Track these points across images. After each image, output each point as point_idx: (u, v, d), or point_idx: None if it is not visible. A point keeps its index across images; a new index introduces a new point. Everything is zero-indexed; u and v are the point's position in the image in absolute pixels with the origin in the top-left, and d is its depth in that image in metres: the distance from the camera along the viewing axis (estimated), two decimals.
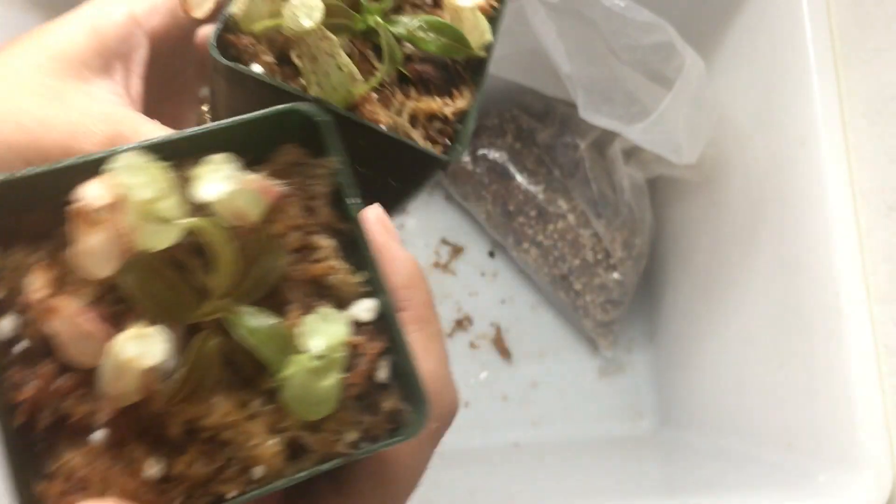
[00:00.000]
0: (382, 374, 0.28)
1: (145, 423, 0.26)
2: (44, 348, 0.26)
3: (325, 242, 0.29)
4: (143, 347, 0.24)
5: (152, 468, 0.25)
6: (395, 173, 0.37)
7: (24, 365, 0.26)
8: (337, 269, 0.29)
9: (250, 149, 0.27)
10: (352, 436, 0.27)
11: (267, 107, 0.29)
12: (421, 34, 0.36)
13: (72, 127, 0.34)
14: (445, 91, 0.38)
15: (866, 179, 0.60)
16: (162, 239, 0.25)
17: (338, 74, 0.33)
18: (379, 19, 0.36)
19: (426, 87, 0.37)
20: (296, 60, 0.33)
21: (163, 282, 0.26)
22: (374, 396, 0.28)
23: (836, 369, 0.60)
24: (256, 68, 0.34)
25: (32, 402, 0.25)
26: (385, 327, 0.29)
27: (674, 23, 0.69)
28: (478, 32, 0.38)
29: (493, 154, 0.88)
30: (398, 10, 0.39)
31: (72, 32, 0.36)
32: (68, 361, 0.25)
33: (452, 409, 0.31)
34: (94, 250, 0.25)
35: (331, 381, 0.26)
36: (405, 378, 0.28)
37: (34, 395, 0.25)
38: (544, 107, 0.90)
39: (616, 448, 0.89)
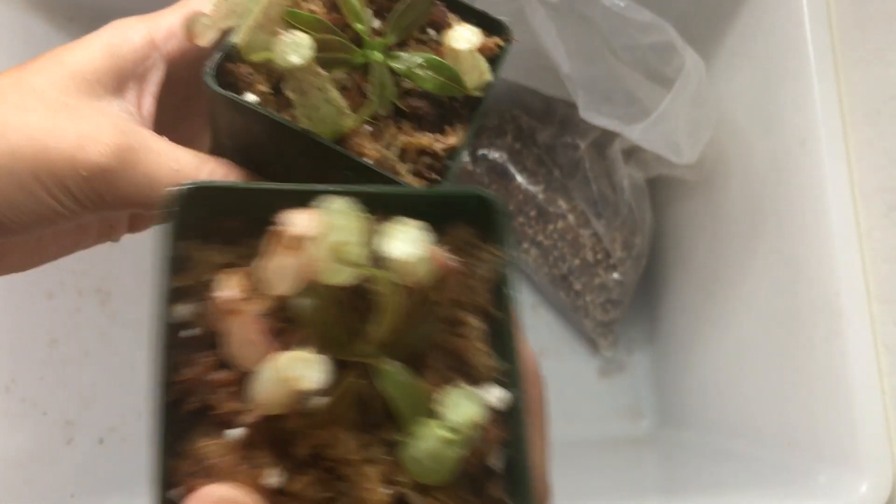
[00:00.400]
0: (495, 461, 0.30)
1: (279, 435, 0.27)
2: (209, 341, 0.28)
3: (476, 323, 0.31)
4: (306, 371, 0.26)
5: (273, 477, 0.27)
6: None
7: (188, 350, 0.28)
8: (481, 351, 0.30)
9: (426, 216, 0.29)
10: None
11: (258, 134, 0.33)
12: (419, 71, 0.37)
13: (80, 137, 0.35)
14: (439, 127, 0.38)
15: (866, 179, 0.60)
16: (342, 278, 0.27)
17: (326, 108, 0.34)
18: (378, 55, 0.37)
19: (420, 122, 0.38)
20: (287, 93, 0.34)
21: (331, 315, 0.28)
22: (482, 480, 0.29)
23: (836, 369, 0.60)
24: (250, 97, 0.35)
25: (187, 384, 0.28)
26: (509, 420, 0.30)
27: (674, 23, 0.69)
28: (476, 72, 0.38)
29: (493, 154, 0.88)
30: (403, 44, 0.39)
31: (90, 52, 0.38)
32: (228, 359, 0.28)
33: (548, 491, 0.33)
34: (282, 270, 0.27)
35: (455, 453, 0.27)
36: (515, 472, 0.29)
37: (190, 379, 0.28)
38: (544, 107, 0.90)
39: (616, 448, 0.89)
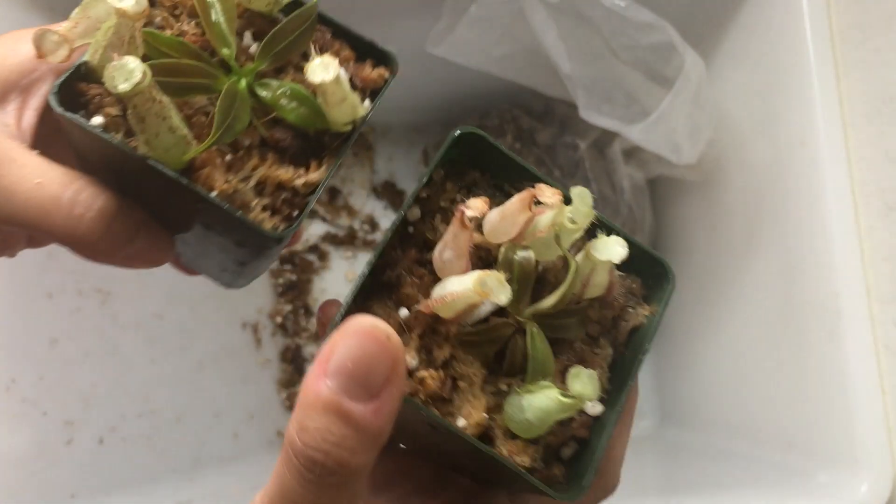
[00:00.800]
0: (567, 451, 0.35)
1: (432, 334, 0.33)
2: (421, 242, 0.35)
3: (608, 349, 0.37)
4: (499, 288, 0.31)
5: (411, 359, 0.33)
6: (235, 238, 0.36)
7: (405, 240, 0.35)
8: (601, 369, 0.36)
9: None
10: (525, 462, 0.33)
11: (106, 157, 0.34)
12: (284, 101, 0.36)
13: None
14: (304, 161, 0.37)
15: (866, 179, 0.60)
16: (550, 253, 0.34)
17: (168, 137, 0.32)
18: (242, 82, 0.35)
19: (283, 154, 0.36)
20: (129, 118, 0.33)
21: (525, 275, 0.34)
22: (551, 459, 0.35)
23: (836, 369, 0.60)
24: (98, 119, 0.34)
25: (392, 259, 0.34)
26: (594, 427, 0.35)
27: (674, 23, 0.69)
28: (346, 106, 0.36)
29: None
30: (281, 70, 0.38)
31: None
32: (429, 258, 0.34)
33: (616, 486, 0.38)
34: (512, 223, 0.33)
35: (558, 414, 0.32)
36: (579, 467, 0.34)
37: (396, 257, 0.35)
38: (544, 107, 0.90)
39: None
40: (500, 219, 0.34)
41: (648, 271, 0.38)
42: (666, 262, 0.37)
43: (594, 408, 0.35)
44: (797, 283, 0.65)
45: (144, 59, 0.33)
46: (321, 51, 0.38)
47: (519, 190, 0.34)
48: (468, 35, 0.72)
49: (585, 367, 0.33)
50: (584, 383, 0.32)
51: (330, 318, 0.40)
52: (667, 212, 0.90)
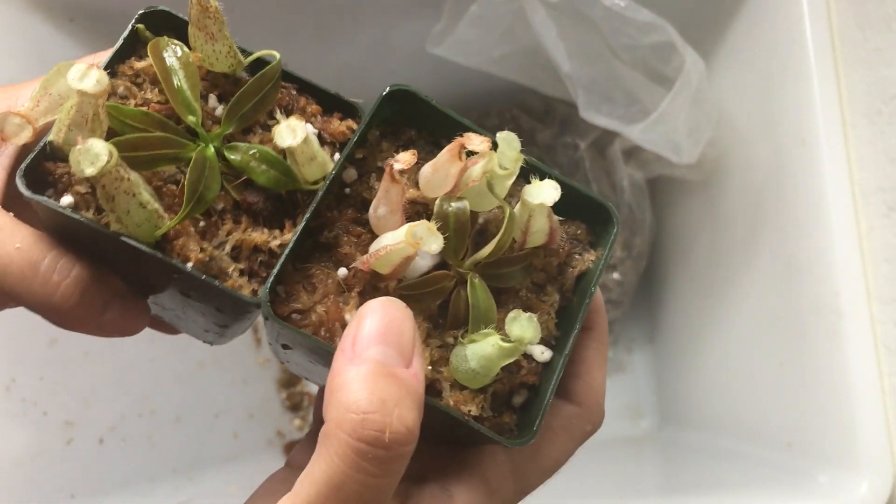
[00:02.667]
0: (518, 400, 0.35)
1: (373, 289, 0.34)
2: (358, 203, 0.36)
3: (554, 296, 0.37)
4: (431, 238, 0.31)
5: (352, 317, 0.33)
6: (215, 304, 0.36)
7: (340, 201, 0.36)
8: (548, 315, 0.36)
9: (560, 202, 0.34)
10: (472, 411, 0.33)
11: (79, 235, 0.34)
12: (254, 164, 0.35)
13: None
14: (278, 221, 0.36)
15: (866, 179, 0.60)
16: (486, 203, 0.35)
17: (140, 212, 0.32)
18: (210, 149, 0.35)
19: (256, 217, 0.36)
20: (98, 197, 0.32)
21: (460, 225, 0.34)
22: (501, 408, 0.35)
23: (836, 369, 0.60)
24: (67, 199, 0.33)
25: (328, 220, 0.35)
26: (543, 373, 0.35)
27: (674, 23, 0.69)
28: (315, 164, 0.36)
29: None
30: (249, 131, 0.37)
31: None
32: (367, 218, 0.35)
33: (602, 418, 0.38)
34: (444, 175, 0.34)
35: (501, 360, 0.32)
36: (530, 414, 0.35)
37: (332, 217, 0.35)
38: (544, 107, 0.90)
39: (616, 448, 0.89)
40: (432, 172, 0.34)
41: (593, 217, 0.38)
42: (609, 205, 0.37)
43: (543, 354, 0.35)
44: (797, 283, 0.65)
45: (110, 133, 0.33)
46: (287, 109, 0.37)
47: None
48: (468, 35, 0.72)
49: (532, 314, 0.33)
50: (524, 326, 0.32)
51: (318, 412, 0.40)
52: (667, 212, 0.90)
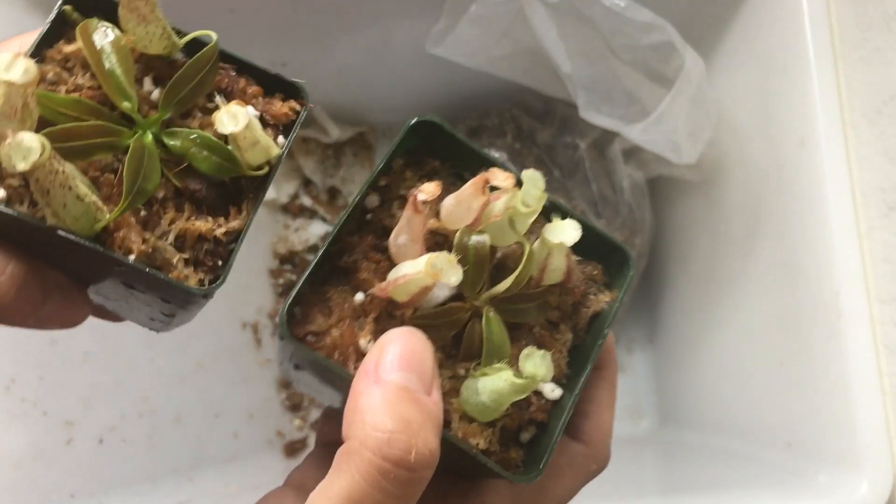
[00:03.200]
0: (526, 436, 0.35)
1: (388, 316, 0.34)
2: (379, 229, 0.36)
3: (568, 334, 0.37)
4: (450, 270, 0.31)
5: (366, 343, 0.33)
6: (160, 295, 0.35)
7: (362, 227, 0.36)
8: (560, 354, 0.37)
9: (578, 242, 0.35)
10: (480, 445, 0.33)
11: (14, 231, 0.32)
12: (195, 150, 0.34)
13: None
14: (223, 209, 0.35)
15: (866, 179, 0.60)
16: (506, 238, 0.35)
17: (77, 205, 0.31)
18: (148, 136, 0.34)
19: (200, 205, 0.35)
20: (32, 192, 0.31)
21: (479, 259, 0.34)
22: (509, 442, 0.35)
23: (836, 369, 0.60)
24: None
25: (348, 245, 0.35)
26: (553, 411, 0.35)
27: (674, 23, 0.69)
28: (259, 148, 0.34)
29: (493, 154, 0.88)
30: (188, 115, 0.36)
31: None
32: (386, 245, 0.35)
33: (608, 458, 0.39)
34: (466, 208, 0.34)
35: (512, 395, 0.32)
36: (537, 451, 0.35)
37: (352, 242, 0.35)
38: (544, 107, 0.90)
39: (616, 448, 0.88)
40: (455, 204, 0.34)
41: (609, 258, 0.38)
42: (626, 247, 0.38)
43: (553, 392, 0.35)
44: (797, 283, 0.65)
45: (41, 122, 0.32)
46: (227, 92, 0.36)
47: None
48: (468, 35, 0.72)
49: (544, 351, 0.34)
50: (536, 364, 0.32)
51: (326, 434, 0.42)
52: (667, 212, 0.90)
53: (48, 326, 0.36)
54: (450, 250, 0.33)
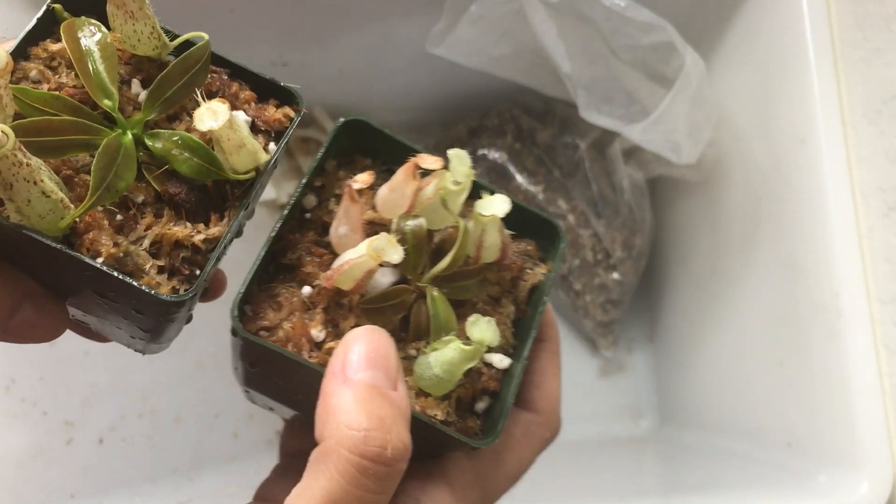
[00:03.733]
0: (481, 405, 0.37)
1: (336, 305, 0.35)
2: (318, 226, 0.37)
3: (509, 307, 0.39)
4: (391, 249, 0.32)
5: (318, 332, 0.34)
6: (133, 305, 0.33)
7: (301, 225, 0.37)
8: (504, 325, 0.38)
9: (511, 221, 0.37)
10: (438, 416, 0.34)
11: None
12: (175, 152, 0.33)
13: None
14: (203, 214, 0.34)
15: (866, 179, 0.60)
16: (441, 220, 0.36)
17: (42, 202, 0.29)
18: (128, 135, 0.32)
19: (179, 210, 0.34)
20: None
21: (418, 242, 0.35)
22: (465, 413, 0.36)
23: (836, 369, 0.60)
24: None
25: (290, 243, 0.36)
26: (503, 379, 0.37)
27: (674, 23, 0.69)
28: (245, 152, 0.33)
29: (493, 154, 0.88)
30: (175, 118, 0.35)
31: None
32: (328, 240, 0.36)
33: (560, 425, 0.39)
34: (400, 194, 0.35)
35: (464, 363, 0.33)
36: (492, 418, 0.36)
37: (294, 240, 0.36)
38: (544, 107, 0.90)
39: (616, 448, 0.89)
40: (389, 192, 0.35)
41: (542, 233, 0.40)
42: (556, 221, 0.40)
43: (502, 361, 0.36)
44: (797, 283, 0.65)
45: (17, 118, 0.30)
46: (218, 94, 0.35)
47: None
48: (468, 35, 0.72)
49: None
50: (482, 329, 0.33)
51: (289, 445, 0.44)
52: (667, 212, 0.90)
53: (20, 339, 0.34)
54: None
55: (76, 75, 0.34)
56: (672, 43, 0.69)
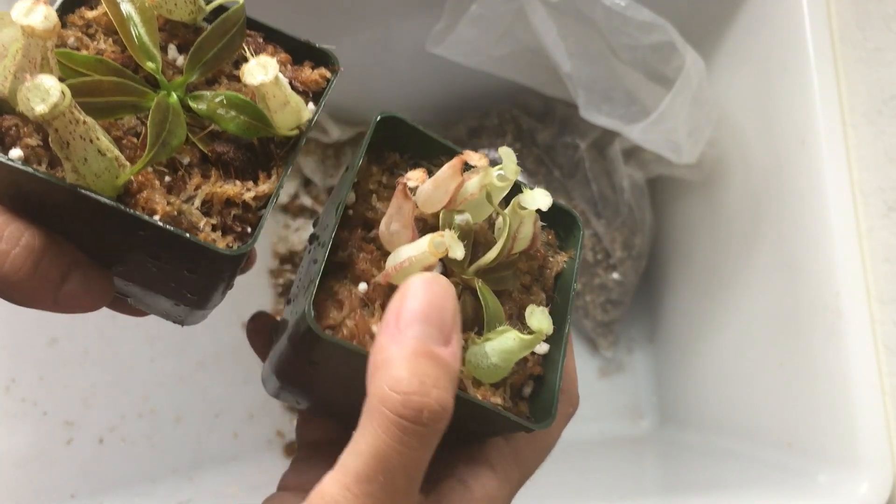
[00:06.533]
0: (527, 390, 0.38)
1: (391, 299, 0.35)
2: (363, 221, 0.37)
3: (541, 295, 0.40)
4: (454, 245, 0.33)
5: (378, 328, 0.34)
6: (186, 265, 0.34)
7: (347, 223, 0.37)
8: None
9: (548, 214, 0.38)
10: (499, 403, 0.35)
11: (31, 192, 0.31)
12: (221, 111, 0.33)
13: None
14: (251, 173, 0.34)
15: (866, 179, 0.60)
16: (482, 214, 0.37)
17: (98, 160, 0.29)
18: (173, 96, 0.33)
19: (227, 169, 0.34)
20: (51, 144, 0.29)
21: (463, 237, 0.36)
22: (515, 399, 0.37)
23: (836, 369, 0.60)
24: (16, 152, 0.31)
25: (342, 241, 0.36)
26: (545, 365, 0.38)
27: (674, 23, 0.69)
28: (290, 109, 0.34)
29: (493, 154, 0.88)
30: (213, 82, 0.35)
31: None
32: (374, 236, 0.36)
33: (578, 401, 0.41)
34: (442, 193, 0.35)
35: (522, 352, 0.34)
36: (541, 399, 0.37)
37: (344, 238, 0.36)
38: (544, 107, 0.90)
39: (616, 448, 0.89)
40: (433, 188, 0.36)
41: (559, 222, 0.42)
42: (573, 210, 0.41)
43: (541, 347, 0.38)
44: (797, 283, 0.65)
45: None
46: (255, 54, 0.35)
47: (437, 165, 0.36)
48: (468, 35, 0.72)
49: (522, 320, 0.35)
50: (540, 319, 0.34)
51: (260, 330, 0.44)
52: (667, 212, 0.90)
53: (68, 309, 0.34)
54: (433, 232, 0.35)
55: (114, 42, 0.34)
56: (672, 43, 0.69)
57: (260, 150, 0.35)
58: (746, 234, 0.73)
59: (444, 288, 0.31)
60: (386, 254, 0.36)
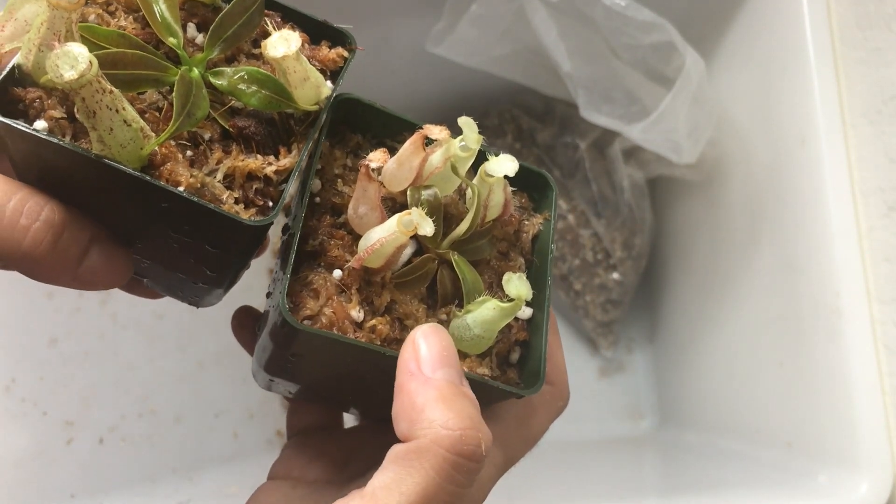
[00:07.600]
0: (514, 356, 0.38)
1: (368, 284, 0.35)
2: (330, 207, 0.37)
3: (519, 260, 0.40)
4: (423, 222, 0.32)
5: (357, 313, 0.34)
6: (208, 239, 0.34)
7: (314, 210, 0.37)
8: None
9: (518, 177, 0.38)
10: (486, 373, 0.36)
11: (54, 164, 0.31)
12: (242, 86, 0.33)
13: None
14: (272, 148, 0.35)
15: (866, 179, 0.60)
16: (449, 186, 0.37)
17: (124, 131, 0.30)
18: (195, 71, 0.33)
19: (248, 143, 0.34)
20: (77, 115, 0.30)
21: (433, 212, 0.35)
22: (503, 366, 0.38)
23: (836, 369, 0.60)
24: (41, 124, 0.31)
25: (310, 230, 0.36)
26: (530, 329, 0.38)
27: (674, 22, 0.69)
28: (309, 85, 0.34)
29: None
30: (232, 59, 0.36)
31: None
32: (343, 221, 0.36)
33: (569, 395, 0.41)
34: (406, 170, 0.35)
35: (503, 320, 0.34)
36: (528, 365, 0.37)
37: (313, 226, 0.36)
38: (544, 107, 0.90)
39: (616, 448, 0.89)
40: (397, 166, 0.36)
41: (531, 185, 0.41)
42: (544, 172, 0.41)
43: (524, 312, 0.38)
44: (797, 283, 0.65)
45: None
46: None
47: (401, 142, 0.36)
48: (468, 34, 0.72)
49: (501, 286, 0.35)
50: (518, 285, 0.34)
51: (245, 324, 0.44)
52: (667, 212, 0.90)
53: (88, 285, 0.34)
54: (404, 209, 0.35)
55: (134, 19, 0.35)
56: (672, 42, 0.69)
57: (280, 125, 0.35)
58: (746, 234, 0.73)
59: (446, 334, 0.32)
60: (357, 238, 0.36)
